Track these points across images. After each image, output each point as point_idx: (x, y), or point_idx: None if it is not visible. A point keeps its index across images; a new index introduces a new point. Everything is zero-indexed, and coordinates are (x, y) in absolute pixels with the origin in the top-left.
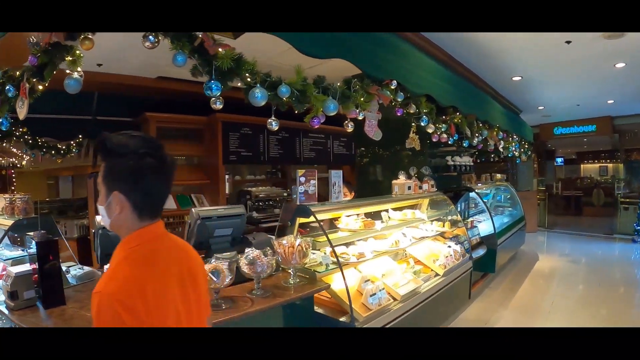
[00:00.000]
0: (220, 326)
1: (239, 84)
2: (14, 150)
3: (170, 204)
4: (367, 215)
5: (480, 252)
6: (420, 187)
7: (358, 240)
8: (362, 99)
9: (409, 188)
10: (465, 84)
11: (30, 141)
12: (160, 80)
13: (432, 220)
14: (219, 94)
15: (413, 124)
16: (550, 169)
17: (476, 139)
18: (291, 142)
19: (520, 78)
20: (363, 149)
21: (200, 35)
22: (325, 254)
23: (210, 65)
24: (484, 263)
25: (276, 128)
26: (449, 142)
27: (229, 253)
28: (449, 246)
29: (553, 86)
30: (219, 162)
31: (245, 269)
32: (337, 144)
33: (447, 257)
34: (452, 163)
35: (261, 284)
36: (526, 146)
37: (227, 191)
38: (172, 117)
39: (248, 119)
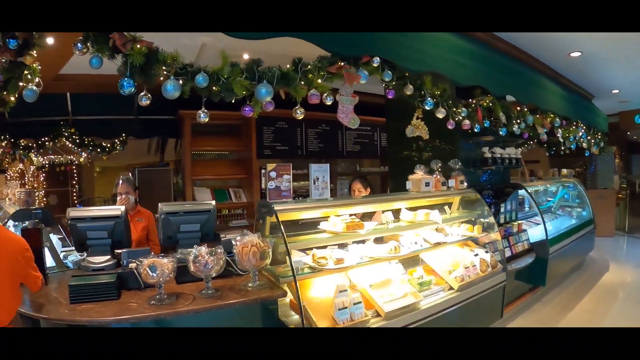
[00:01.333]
0: (148, 321)
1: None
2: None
3: (207, 197)
4: (365, 215)
5: (528, 260)
6: (444, 184)
7: (353, 243)
8: (319, 81)
9: (427, 185)
10: (498, 60)
11: (77, 140)
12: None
13: (461, 223)
14: (130, 91)
15: (419, 108)
16: (637, 164)
17: (517, 127)
18: (333, 135)
19: (579, 54)
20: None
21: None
22: (307, 256)
23: (126, 64)
24: (533, 274)
25: (205, 120)
26: (475, 130)
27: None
28: (476, 254)
29: (626, 64)
30: (253, 157)
31: (190, 267)
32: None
33: (467, 267)
34: (491, 155)
35: (226, 284)
36: (598, 136)
37: (262, 186)
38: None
39: (283, 113)
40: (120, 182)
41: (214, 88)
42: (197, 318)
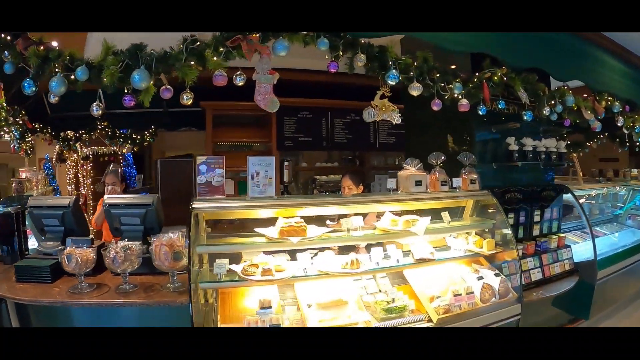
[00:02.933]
0: (58, 306)
1: None
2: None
3: (230, 189)
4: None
5: (567, 286)
6: (444, 183)
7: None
8: (214, 59)
9: (418, 184)
10: None
11: (109, 133)
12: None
13: (469, 234)
14: (32, 90)
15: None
16: None
17: (548, 109)
18: (363, 125)
19: None
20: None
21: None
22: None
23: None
24: (574, 302)
25: (98, 113)
26: (480, 113)
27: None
28: (481, 277)
29: None
30: (273, 149)
31: (105, 260)
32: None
33: (458, 295)
34: (518, 148)
35: (148, 282)
36: None
37: (285, 178)
38: (226, 105)
39: (307, 102)
40: (108, 173)
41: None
42: (109, 312)
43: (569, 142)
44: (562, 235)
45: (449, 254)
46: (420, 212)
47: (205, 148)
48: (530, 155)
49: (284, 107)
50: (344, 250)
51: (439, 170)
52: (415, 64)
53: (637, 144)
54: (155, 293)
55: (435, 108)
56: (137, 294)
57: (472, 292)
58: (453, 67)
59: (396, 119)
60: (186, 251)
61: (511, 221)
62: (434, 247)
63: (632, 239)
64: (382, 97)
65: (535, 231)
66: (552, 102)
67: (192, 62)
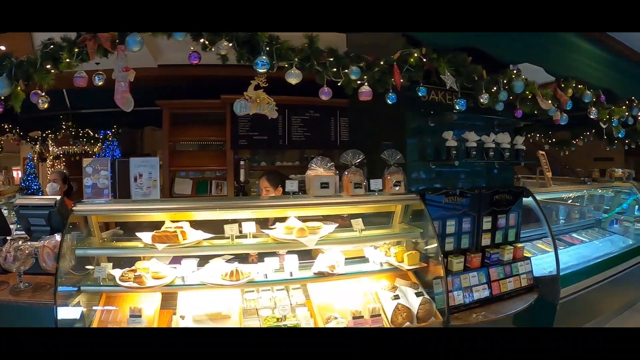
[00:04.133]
0: None
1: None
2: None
3: (187, 189)
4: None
5: (519, 305)
6: (358, 186)
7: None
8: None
9: (324, 186)
10: None
11: (73, 133)
12: (163, 68)
13: (391, 245)
14: None
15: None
16: None
17: (486, 97)
18: (324, 122)
19: None
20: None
21: None
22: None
23: None
24: (534, 324)
25: (43, 106)
26: (389, 101)
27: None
28: (396, 296)
29: None
30: (227, 148)
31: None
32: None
33: (358, 318)
34: (457, 144)
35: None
36: None
37: (241, 178)
38: (183, 103)
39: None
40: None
41: None
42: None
43: (553, 140)
44: (519, 245)
45: (361, 268)
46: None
47: (163, 147)
48: (474, 153)
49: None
50: (262, 257)
51: (354, 170)
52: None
53: (624, 141)
54: (42, 293)
55: (323, 97)
56: (27, 293)
57: (379, 315)
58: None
59: (272, 113)
60: (68, 253)
61: (452, 229)
62: (350, 258)
63: (614, 247)
64: (257, 87)
65: (486, 240)
66: (494, 88)
67: (49, 66)
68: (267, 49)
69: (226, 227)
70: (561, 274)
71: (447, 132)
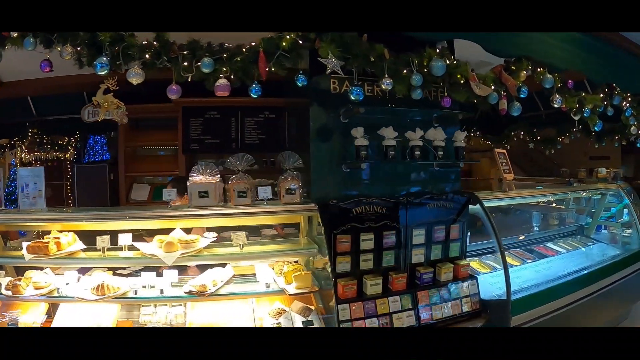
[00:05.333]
0: None
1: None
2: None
3: (144, 195)
4: None
5: None
6: (242, 194)
7: None
8: None
9: (203, 195)
10: None
11: (37, 140)
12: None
13: (285, 262)
14: None
15: None
16: None
17: (388, 83)
18: (279, 124)
19: None
20: None
21: None
22: None
23: None
24: None
25: None
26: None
27: None
28: (278, 324)
29: None
30: (179, 152)
31: None
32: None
33: None
34: (367, 143)
35: None
36: None
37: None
38: (139, 108)
39: (215, 101)
40: None
41: None
42: None
43: (538, 138)
44: (462, 262)
45: (246, 288)
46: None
47: (119, 152)
48: (392, 153)
49: (189, 107)
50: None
51: (241, 177)
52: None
53: (593, 133)
54: None
55: (172, 96)
56: None
57: None
58: None
59: (122, 119)
60: None
61: (369, 244)
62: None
63: (596, 259)
64: (107, 91)
65: (418, 257)
66: (404, 71)
67: None
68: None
69: (98, 238)
70: (520, 295)
71: (356, 129)
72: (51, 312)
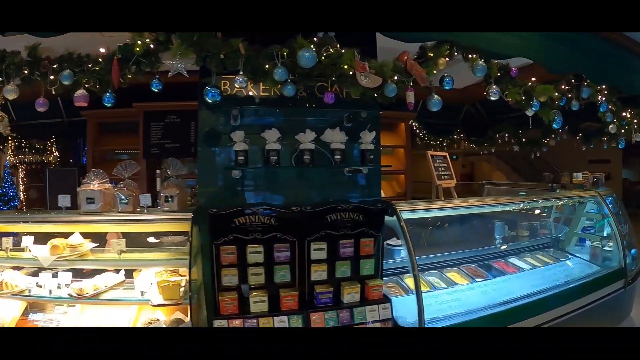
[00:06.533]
0: None
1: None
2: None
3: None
4: None
5: None
6: (124, 202)
7: None
8: None
9: (90, 201)
10: None
11: (16, 144)
12: None
13: (167, 271)
14: None
15: None
16: None
17: (240, 81)
18: None
19: None
20: None
21: None
22: None
23: None
24: None
25: None
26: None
27: None
28: None
29: None
30: (140, 156)
31: None
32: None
33: None
34: (246, 147)
35: None
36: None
37: (158, 188)
38: (104, 113)
39: (175, 106)
40: None
41: None
42: None
43: (523, 140)
44: (373, 283)
45: (124, 295)
46: None
47: (87, 157)
48: (274, 157)
49: (151, 112)
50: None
51: (127, 184)
52: None
53: (602, 138)
54: None
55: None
56: None
57: None
58: None
59: (5, 129)
60: None
61: (257, 258)
62: None
63: (559, 279)
64: None
65: (319, 274)
66: (266, 66)
67: None
68: None
69: (3, 239)
70: (447, 323)
71: (234, 133)
72: None
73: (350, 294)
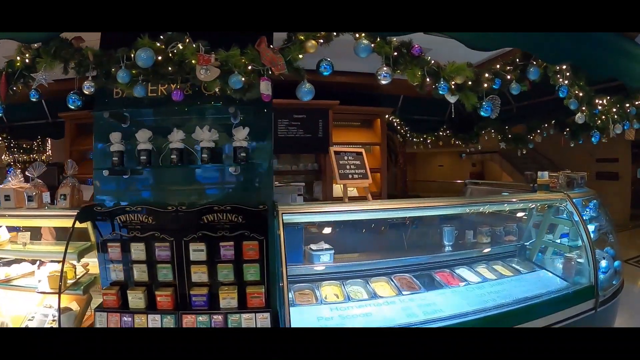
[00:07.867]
0: None
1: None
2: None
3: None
4: None
5: None
6: (31, 199)
7: None
8: None
9: (7, 199)
10: None
11: (5, 143)
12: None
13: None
14: None
15: None
16: None
17: (87, 87)
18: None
19: None
20: None
21: None
22: None
23: None
24: None
25: None
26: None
27: None
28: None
29: None
30: None
31: None
32: None
33: None
34: (123, 146)
35: None
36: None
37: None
38: (81, 114)
39: None
40: None
41: None
42: None
43: (509, 136)
44: (253, 290)
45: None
46: None
47: (65, 156)
48: (144, 158)
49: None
50: None
51: (36, 183)
52: None
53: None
54: None
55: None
56: None
57: None
58: None
59: None
60: None
61: (140, 255)
62: None
63: (523, 292)
64: None
65: (199, 276)
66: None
67: None
68: None
69: None
70: None
71: (113, 134)
72: None
73: (227, 298)
